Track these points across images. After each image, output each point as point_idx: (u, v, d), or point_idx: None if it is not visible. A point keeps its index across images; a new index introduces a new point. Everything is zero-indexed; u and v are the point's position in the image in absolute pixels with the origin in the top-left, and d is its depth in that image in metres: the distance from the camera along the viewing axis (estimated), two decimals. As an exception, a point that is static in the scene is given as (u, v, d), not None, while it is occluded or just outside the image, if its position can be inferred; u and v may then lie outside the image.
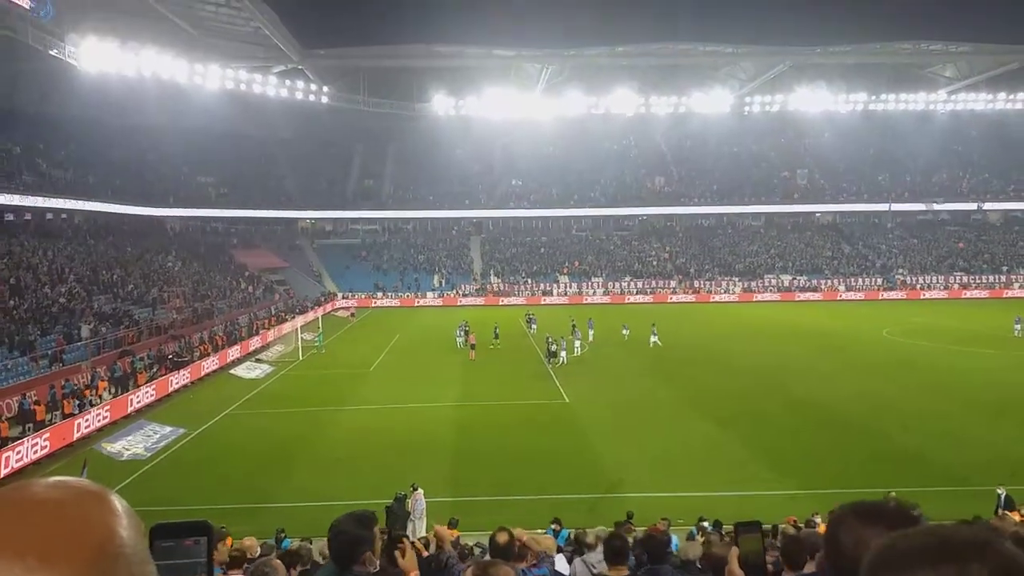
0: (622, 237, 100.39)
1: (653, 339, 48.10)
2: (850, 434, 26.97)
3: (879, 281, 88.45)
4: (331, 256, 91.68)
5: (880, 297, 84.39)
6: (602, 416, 30.27)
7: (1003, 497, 18.65)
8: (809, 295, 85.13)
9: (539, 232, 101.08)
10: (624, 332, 51.45)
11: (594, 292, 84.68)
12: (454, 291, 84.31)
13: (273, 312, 62.42)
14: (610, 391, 35.07)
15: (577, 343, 45.04)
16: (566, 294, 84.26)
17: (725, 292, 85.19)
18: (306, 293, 77.76)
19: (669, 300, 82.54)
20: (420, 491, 19.40)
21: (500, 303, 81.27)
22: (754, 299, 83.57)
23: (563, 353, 41.96)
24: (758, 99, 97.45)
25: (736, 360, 42.06)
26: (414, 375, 39.76)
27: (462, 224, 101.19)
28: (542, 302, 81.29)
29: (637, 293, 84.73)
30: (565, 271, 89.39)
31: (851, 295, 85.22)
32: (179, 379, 37.95)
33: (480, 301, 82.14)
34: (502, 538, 6.89)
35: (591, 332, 49.77)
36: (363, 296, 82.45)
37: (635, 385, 36.19)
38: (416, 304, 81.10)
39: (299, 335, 50.08)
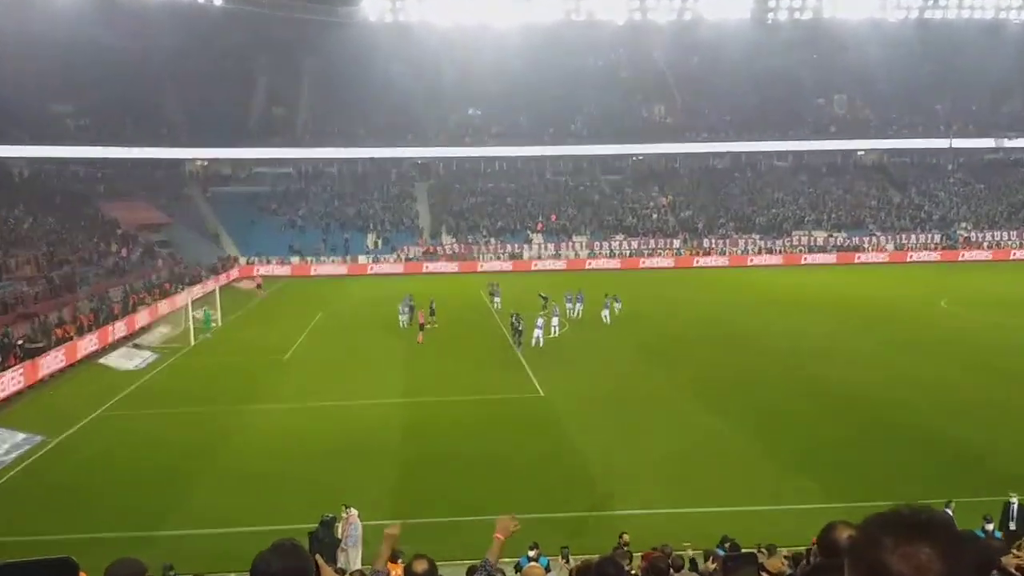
0: (611, 183, 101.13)
1: (607, 311, 50.15)
2: (896, 431, 27.94)
3: (937, 238, 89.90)
4: (230, 209, 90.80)
5: (938, 258, 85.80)
6: (587, 412, 31.10)
7: (1015, 508, 19.15)
8: (848, 256, 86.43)
9: (504, 177, 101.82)
10: (615, 305, 52.10)
11: (583, 254, 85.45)
12: (395, 255, 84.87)
13: (155, 283, 62.18)
14: (596, 381, 36.02)
15: (555, 321, 45.90)
16: (559, 256, 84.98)
17: (743, 253, 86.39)
18: (198, 258, 76.64)
19: (670, 265, 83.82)
20: (354, 512, 19.68)
21: (477, 270, 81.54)
22: (780, 262, 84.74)
23: (538, 332, 42.71)
24: (785, 3, 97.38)
25: (755, 340, 43.51)
26: (345, 364, 40.49)
27: (403, 166, 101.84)
28: (535, 268, 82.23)
29: (632, 256, 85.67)
30: (540, 227, 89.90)
31: (902, 256, 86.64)
32: (34, 372, 37.87)
33: (436, 268, 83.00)
34: (419, 567, 6.84)
35: (579, 307, 51.23)
36: (275, 261, 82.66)
37: (627, 373, 37.31)
38: (345, 273, 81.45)
39: (190, 313, 49.87)
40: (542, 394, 34.01)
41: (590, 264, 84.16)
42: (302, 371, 39.30)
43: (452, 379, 36.93)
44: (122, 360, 43.24)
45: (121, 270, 63.65)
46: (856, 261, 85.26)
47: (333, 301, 62.22)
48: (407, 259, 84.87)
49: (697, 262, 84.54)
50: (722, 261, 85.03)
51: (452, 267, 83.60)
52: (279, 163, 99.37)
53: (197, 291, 60.66)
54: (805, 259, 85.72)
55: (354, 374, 38.23)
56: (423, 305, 49.80)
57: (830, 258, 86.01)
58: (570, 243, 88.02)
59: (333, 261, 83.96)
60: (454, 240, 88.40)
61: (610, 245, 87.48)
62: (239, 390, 35.89)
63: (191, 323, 49.16)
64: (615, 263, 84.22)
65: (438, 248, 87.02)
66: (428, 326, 47.34)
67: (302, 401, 33.90)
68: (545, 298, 52.37)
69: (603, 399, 33.16)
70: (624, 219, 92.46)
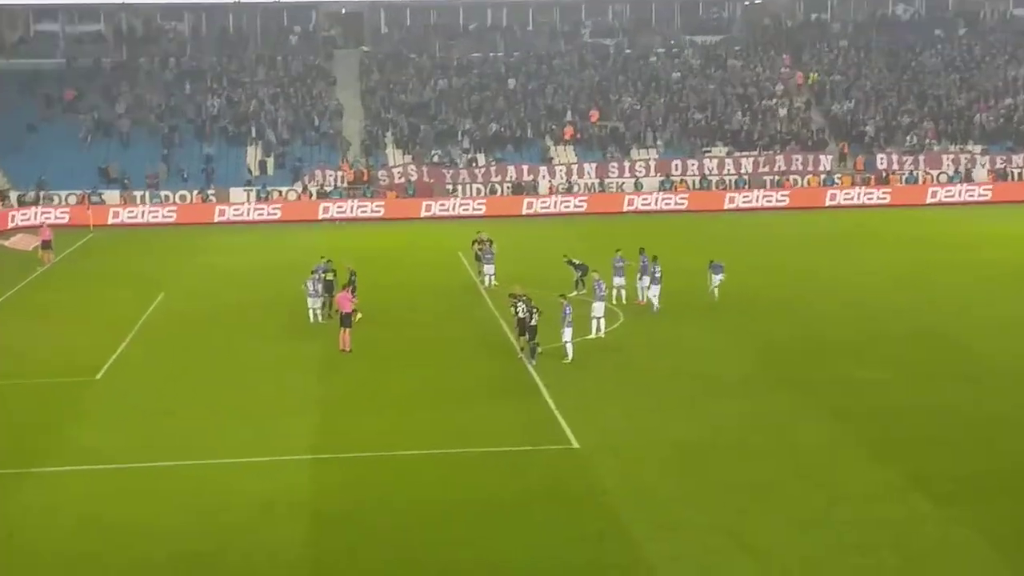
0: (704, 50, 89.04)
1: (714, 282, 43.90)
2: None
3: None
4: None
5: None
6: (663, 485, 25.38)
7: None
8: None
9: (503, 38, 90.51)
10: (714, 278, 44.80)
11: (648, 182, 72.98)
12: (298, 187, 72.01)
13: None
14: (677, 421, 30.15)
15: (598, 309, 38.56)
16: (604, 186, 72.52)
17: (949, 179, 74.79)
18: None
19: (809, 205, 70.65)
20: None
21: (450, 214, 69.74)
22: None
23: (566, 332, 35.70)
24: None
25: (989, 352, 36.91)
26: (206, 388, 34.05)
27: (315, 18, 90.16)
28: (558, 210, 69.92)
29: (739, 185, 72.68)
30: (569, 134, 77.56)
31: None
32: None
33: (373, 211, 70.21)
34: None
35: (652, 284, 43.00)
36: (73, 198, 70.15)
37: (738, 410, 30.97)
38: (206, 220, 68.50)
39: None
40: (575, 445, 27.90)
41: (665, 201, 71.64)
42: (126, 402, 32.59)
43: (407, 418, 30.61)
44: None
45: None
46: None
47: (185, 271, 54.20)
48: (319, 193, 70.97)
49: (862, 195, 72.46)
50: (909, 196, 72.16)
51: (404, 209, 69.92)
52: (81, 12, 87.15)
53: None
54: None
55: (223, 407, 31.61)
56: (345, 279, 42.45)
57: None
58: (625, 163, 75.05)
59: (183, 198, 70.41)
60: (408, 159, 74.91)
61: (701, 166, 74.63)
62: (6, 440, 29.23)
63: None
64: (708, 200, 71.42)
65: (379, 174, 73.27)
66: (358, 315, 40.52)
67: (124, 458, 27.25)
68: (579, 267, 44.18)
69: (694, 459, 26.75)
70: (728, 117, 79.77)
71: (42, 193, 69.56)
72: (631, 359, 36.70)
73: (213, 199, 69.73)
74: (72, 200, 68.91)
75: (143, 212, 68.83)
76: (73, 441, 28.98)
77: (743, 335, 39.79)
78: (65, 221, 66.05)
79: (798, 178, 74.21)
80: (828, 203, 71.77)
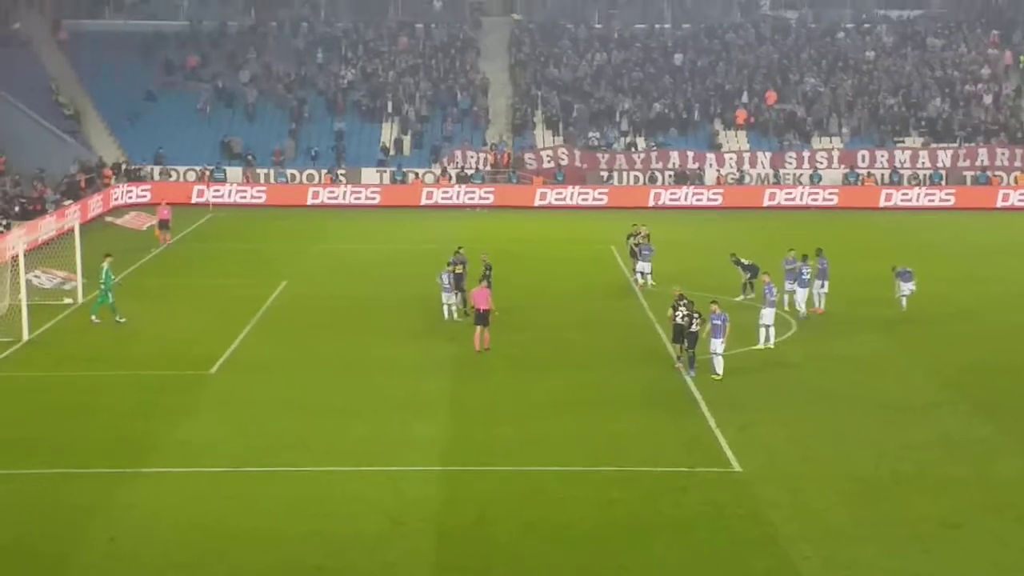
0: (898, 27, 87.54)
1: (903, 291, 43.42)
2: None
3: None
4: (106, 68, 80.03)
5: None
6: (834, 514, 25.06)
7: None
8: None
9: (666, 9, 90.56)
10: (902, 286, 44.19)
11: (830, 174, 72.45)
12: (436, 168, 73.28)
13: None
14: (848, 439, 29.96)
15: (767, 315, 38.19)
16: (779, 177, 72.05)
17: None
18: (40, 164, 67.59)
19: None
20: None
21: (605, 204, 70.20)
22: None
23: (716, 346, 35.44)
24: None
25: None
26: (328, 386, 34.69)
27: None
28: (725, 204, 69.78)
29: (934, 182, 71.55)
30: (741, 118, 76.63)
31: None
32: None
33: (518, 197, 70.80)
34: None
35: (824, 286, 43.44)
36: (193, 175, 72.17)
37: (915, 424, 31.31)
38: (334, 202, 70.57)
39: (22, 276, 42.42)
40: (737, 469, 27.81)
41: (812, 197, 71.21)
42: (241, 399, 33.34)
43: (548, 429, 30.64)
44: None
45: None
46: None
47: (309, 258, 55.63)
48: (461, 177, 72.36)
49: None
50: None
51: (554, 197, 70.98)
52: None
53: (38, 232, 53.56)
54: None
55: (346, 409, 32.07)
56: (480, 272, 42.56)
57: None
58: (805, 153, 74.53)
59: (310, 178, 72.41)
60: (559, 142, 75.89)
61: (892, 158, 73.70)
62: (113, 435, 29.82)
63: (26, 298, 41.97)
64: (859, 196, 70.93)
65: (525, 156, 74.20)
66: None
67: (237, 460, 27.86)
68: (748, 268, 43.86)
69: (873, 492, 26.16)
70: (924, 103, 78.76)
71: (155, 167, 71.33)
72: (802, 375, 36.39)
73: (342, 179, 70.66)
74: (191, 176, 70.64)
75: (267, 193, 69.88)
76: (183, 440, 29.70)
77: (928, 352, 39.36)
78: (179, 201, 65.68)
79: (1003, 175, 72.23)
80: (1000, 204, 70.14)
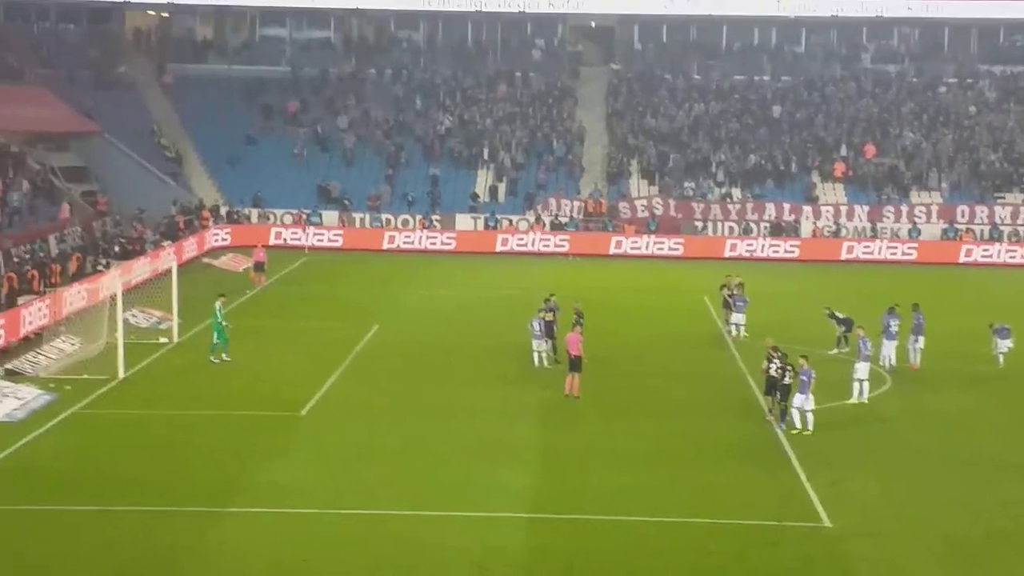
0: (1004, 83, 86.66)
1: (1000, 348, 42.82)
2: None
3: None
4: (209, 111, 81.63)
5: None
6: (933, 573, 24.80)
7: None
8: None
9: (766, 58, 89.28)
10: (1000, 343, 43.67)
11: (930, 229, 71.35)
12: (530, 215, 73.00)
13: (54, 252, 56.85)
14: (942, 499, 29.33)
15: (861, 370, 37.81)
16: (876, 231, 70.89)
17: None
18: (141, 204, 68.10)
19: None
20: None
21: (701, 255, 68.94)
22: None
23: (800, 402, 35.29)
24: None
25: None
26: (418, 430, 34.58)
27: (558, 30, 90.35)
28: (824, 259, 68.49)
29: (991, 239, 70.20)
30: (839, 171, 75.55)
31: None
32: None
33: (613, 246, 70.41)
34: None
35: (920, 341, 42.71)
36: (290, 218, 72.69)
37: (1014, 484, 30.61)
38: (427, 248, 70.48)
39: (119, 315, 42.31)
40: (827, 524, 27.24)
41: (891, 251, 70.09)
42: (330, 442, 33.48)
43: (638, 478, 30.52)
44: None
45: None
46: None
47: (402, 302, 55.65)
48: (554, 225, 72.09)
49: None
50: None
51: (645, 246, 70.37)
52: (309, 18, 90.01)
53: (136, 272, 54.11)
54: None
55: (435, 454, 32.07)
56: (571, 320, 42.16)
57: None
58: (903, 207, 73.44)
59: (405, 223, 72.11)
60: (654, 191, 75.68)
61: (992, 213, 72.48)
62: (204, 475, 30.05)
63: (122, 335, 41.85)
64: (938, 251, 69.58)
65: (620, 205, 73.98)
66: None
67: (323, 503, 27.83)
68: (843, 322, 43.42)
69: (969, 554, 25.57)
70: None
71: (253, 210, 72.18)
72: (896, 430, 35.91)
73: (436, 225, 71.20)
74: (288, 220, 71.29)
75: (364, 238, 70.02)
76: (272, 481, 29.77)
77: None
78: (278, 243, 67.64)
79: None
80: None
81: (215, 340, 42.44)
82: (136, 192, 67.88)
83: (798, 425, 34.79)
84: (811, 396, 34.78)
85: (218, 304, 43.16)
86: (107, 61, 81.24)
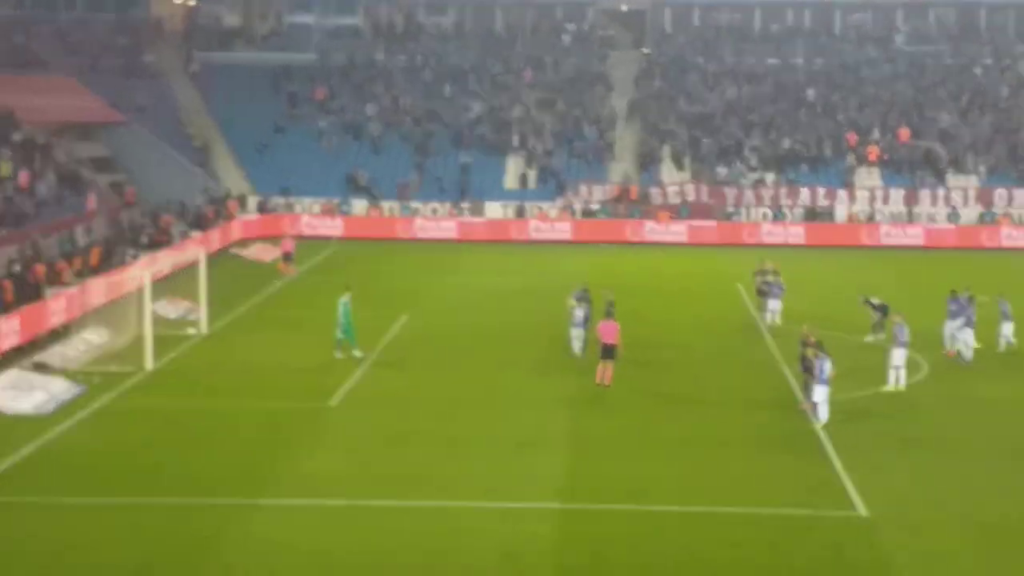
0: None
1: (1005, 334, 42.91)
2: None
3: None
4: (236, 99, 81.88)
5: None
6: (964, 565, 24.48)
7: None
8: None
9: (801, 41, 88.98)
10: (1007, 328, 43.64)
11: (967, 213, 70.94)
12: (561, 202, 73.20)
13: (81, 243, 56.56)
14: (980, 487, 29.23)
15: (898, 357, 37.55)
16: (911, 215, 70.85)
17: None
18: (168, 194, 68.43)
19: None
20: None
21: (733, 241, 69.24)
22: None
23: (819, 391, 34.94)
24: None
25: None
26: (449, 420, 34.35)
27: (588, 15, 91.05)
28: (857, 243, 68.85)
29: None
30: (873, 154, 74.64)
31: None
32: None
33: (645, 232, 70.32)
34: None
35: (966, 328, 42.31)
36: (318, 206, 73.33)
37: None
38: (457, 236, 70.85)
39: (147, 306, 42.23)
40: (862, 513, 27.09)
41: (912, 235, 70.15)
42: (360, 432, 33.65)
43: (669, 467, 30.56)
44: (8, 396, 36.72)
45: (16, 215, 57.24)
46: None
47: (432, 291, 55.47)
48: (584, 212, 72.19)
49: None
50: None
51: (677, 233, 70.15)
52: (336, 5, 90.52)
53: (163, 262, 53.66)
54: None
55: (465, 442, 32.17)
56: (603, 308, 42.15)
57: None
58: (939, 190, 72.79)
59: (435, 211, 72.97)
60: (686, 177, 75.13)
61: None
62: (233, 466, 30.18)
63: (149, 328, 41.79)
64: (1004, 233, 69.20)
65: (651, 191, 73.67)
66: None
67: (354, 492, 27.89)
68: (879, 308, 43.23)
69: (1007, 543, 25.39)
70: None
71: (281, 198, 72.34)
72: (933, 418, 35.76)
73: (466, 212, 71.56)
74: (316, 209, 71.69)
75: (393, 226, 70.49)
76: (302, 471, 29.96)
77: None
78: (306, 233, 68.09)
79: None
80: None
81: (339, 335, 41.93)
82: (163, 182, 68.09)
83: (821, 418, 34.55)
84: (821, 388, 34.47)
85: (346, 299, 42.30)
86: (133, 50, 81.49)
